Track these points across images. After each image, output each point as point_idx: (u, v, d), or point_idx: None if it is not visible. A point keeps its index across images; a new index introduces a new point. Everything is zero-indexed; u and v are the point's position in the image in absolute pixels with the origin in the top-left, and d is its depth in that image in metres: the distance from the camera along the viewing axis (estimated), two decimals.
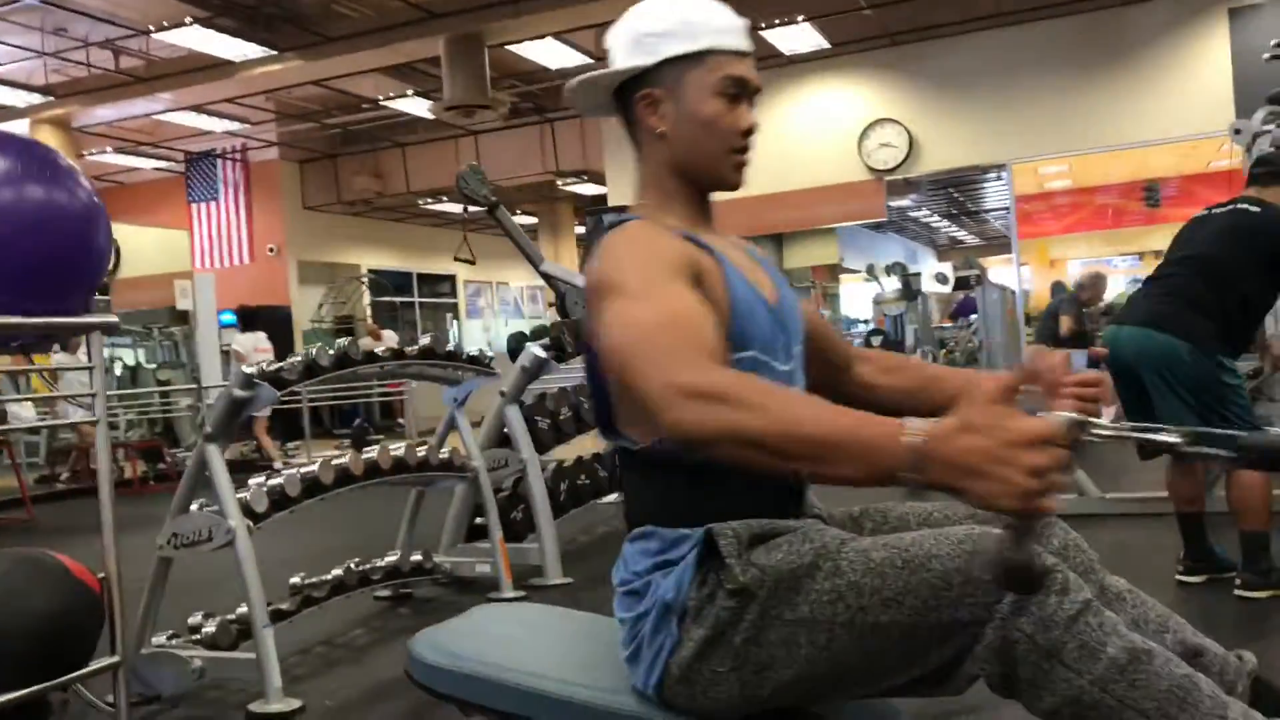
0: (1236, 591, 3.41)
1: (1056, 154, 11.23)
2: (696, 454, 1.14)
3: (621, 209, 1.50)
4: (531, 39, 10.76)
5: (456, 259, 9.05)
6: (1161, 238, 11.27)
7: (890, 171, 11.95)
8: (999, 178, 15.88)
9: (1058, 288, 10.32)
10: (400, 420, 13.39)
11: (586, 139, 14.14)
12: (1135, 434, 1.35)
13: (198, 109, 12.44)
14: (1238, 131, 7.50)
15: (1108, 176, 11.56)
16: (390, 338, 12.88)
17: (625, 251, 1.33)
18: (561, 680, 1.48)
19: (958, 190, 18.64)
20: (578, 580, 4.34)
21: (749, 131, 1.44)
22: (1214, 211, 3.53)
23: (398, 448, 3.80)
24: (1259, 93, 9.24)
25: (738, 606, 1.28)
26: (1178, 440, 1.29)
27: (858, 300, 17.35)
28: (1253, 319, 3.50)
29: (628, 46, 1.46)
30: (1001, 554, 1.02)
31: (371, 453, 3.67)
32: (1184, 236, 3.60)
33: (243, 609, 3.33)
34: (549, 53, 11.20)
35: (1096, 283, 8.61)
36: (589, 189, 15.67)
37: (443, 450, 4.09)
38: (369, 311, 16.55)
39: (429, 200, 16.36)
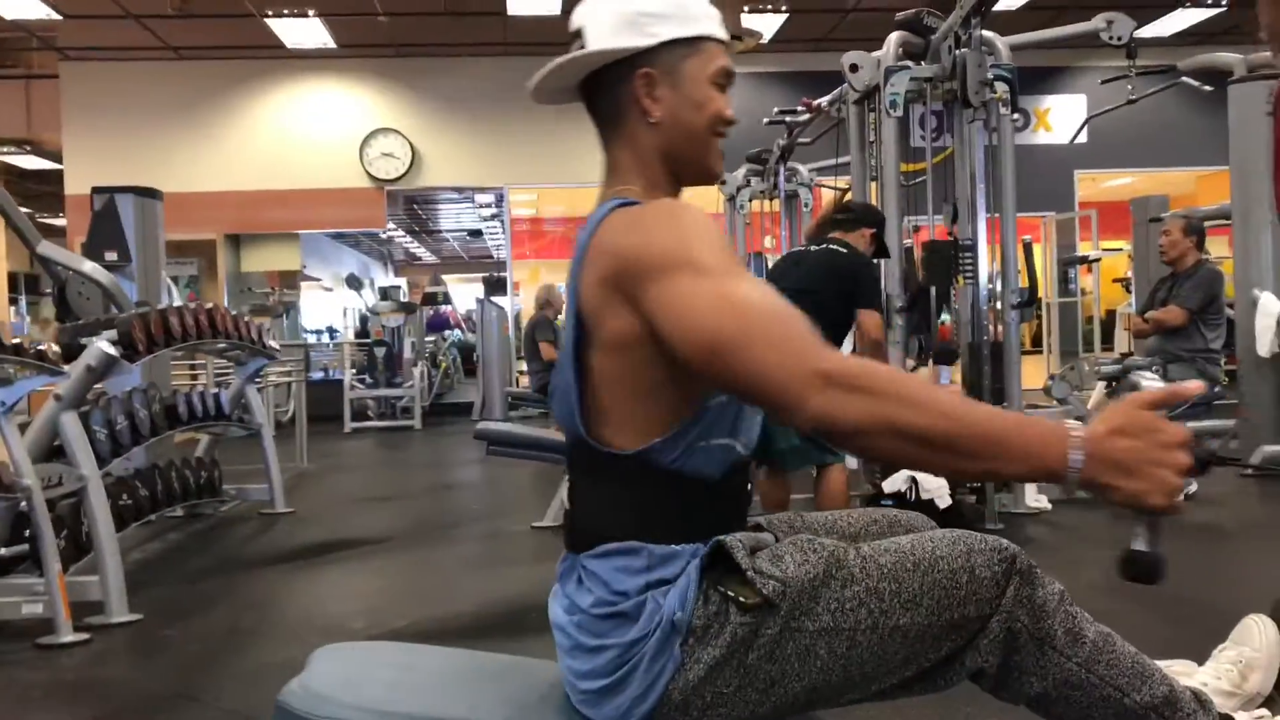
0: None
1: (547, 184, 11.99)
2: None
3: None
4: None
5: None
6: None
7: (393, 182, 11.88)
8: (470, 199, 16.38)
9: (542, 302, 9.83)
10: None
11: (33, 105, 12.22)
12: None
13: None
14: (723, 183, 8.71)
15: (568, 210, 12.61)
16: None
17: (687, 226, 1.23)
18: None
19: (420, 208, 18.86)
20: (150, 617, 3.70)
21: (731, 123, 1.42)
22: (810, 250, 4.05)
23: None
24: (732, 149, 10.71)
25: (754, 621, 1.24)
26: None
27: (320, 310, 16.17)
28: (834, 343, 4.06)
29: (617, 25, 1.36)
30: (1133, 548, 1.12)
31: None
32: (782, 270, 4.07)
33: None
34: None
35: (553, 293, 8.90)
36: (31, 162, 13.50)
37: None
38: None
39: None
